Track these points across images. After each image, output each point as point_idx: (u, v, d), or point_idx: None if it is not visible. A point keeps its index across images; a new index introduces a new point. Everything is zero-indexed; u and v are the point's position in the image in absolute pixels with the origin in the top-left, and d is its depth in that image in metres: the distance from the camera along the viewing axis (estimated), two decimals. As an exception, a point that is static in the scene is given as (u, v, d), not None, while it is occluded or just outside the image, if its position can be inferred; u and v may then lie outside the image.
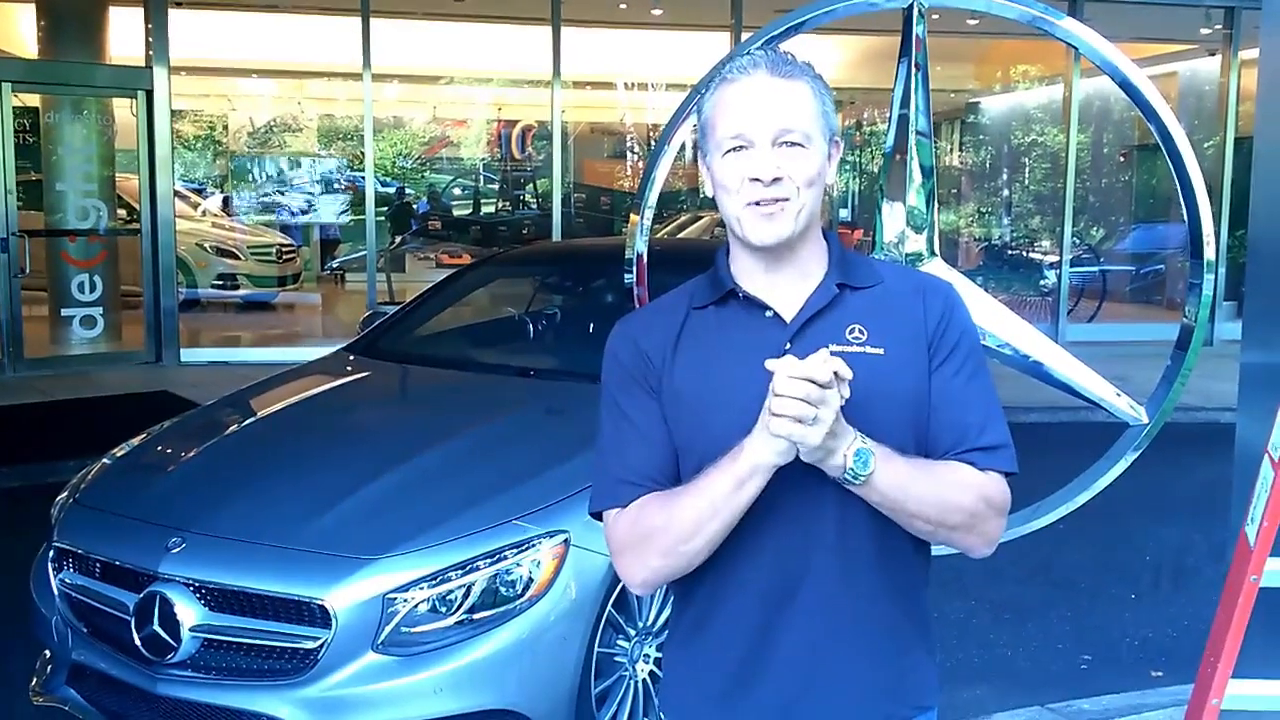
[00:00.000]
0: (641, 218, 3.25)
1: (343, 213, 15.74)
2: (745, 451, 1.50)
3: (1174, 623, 4.76)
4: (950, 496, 1.59)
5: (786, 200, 1.59)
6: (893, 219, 3.22)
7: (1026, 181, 15.69)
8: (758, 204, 1.59)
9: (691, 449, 1.63)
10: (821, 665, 1.63)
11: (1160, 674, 4.28)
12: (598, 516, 1.70)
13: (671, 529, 1.57)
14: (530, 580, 3.11)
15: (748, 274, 1.67)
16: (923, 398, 1.63)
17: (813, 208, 1.62)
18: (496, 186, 17.78)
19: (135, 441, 3.99)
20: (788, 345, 1.61)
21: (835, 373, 1.44)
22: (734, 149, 1.59)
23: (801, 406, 1.42)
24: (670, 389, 1.65)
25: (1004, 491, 1.64)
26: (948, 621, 4.61)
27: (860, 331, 1.63)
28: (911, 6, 3.14)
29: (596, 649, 3.27)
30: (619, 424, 1.68)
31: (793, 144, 1.58)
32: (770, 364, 1.45)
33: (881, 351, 1.61)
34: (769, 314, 1.65)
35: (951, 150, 16.83)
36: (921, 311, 1.66)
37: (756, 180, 1.58)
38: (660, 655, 3.39)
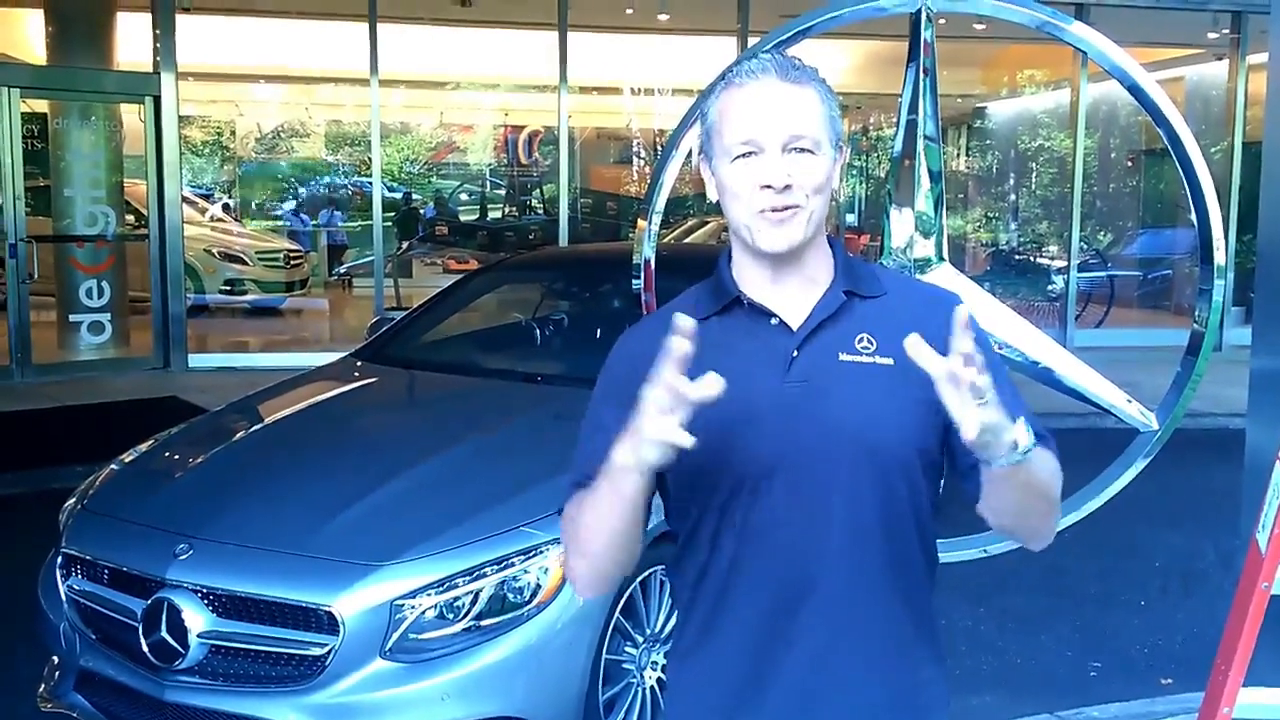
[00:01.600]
0: (649, 223, 3.25)
1: (350, 218, 15.79)
2: (614, 454, 1.47)
3: (1184, 630, 4.74)
4: (1056, 479, 1.61)
5: (797, 207, 1.57)
6: (901, 224, 3.22)
7: (1034, 186, 15.68)
8: (768, 211, 1.57)
9: (693, 463, 1.60)
10: (827, 679, 1.61)
11: (1170, 681, 4.26)
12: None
13: (579, 527, 1.59)
14: (538, 587, 3.11)
15: (752, 281, 1.65)
16: (931, 409, 1.61)
17: (821, 214, 1.61)
18: (503, 192, 17.83)
19: (143, 447, 3.99)
20: (795, 353, 1.60)
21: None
22: (743, 155, 1.57)
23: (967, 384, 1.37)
24: None
25: None
26: (956, 629, 4.60)
27: (869, 341, 1.61)
28: (919, 11, 3.14)
29: (604, 656, 3.26)
30: (593, 434, 1.66)
31: (802, 150, 1.56)
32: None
33: (891, 362, 1.59)
34: (775, 321, 1.63)
35: (959, 155, 16.82)
36: (935, 326, 1.63)
37: (768, 187, 1.56)
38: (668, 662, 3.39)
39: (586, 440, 1.68)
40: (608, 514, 1.52)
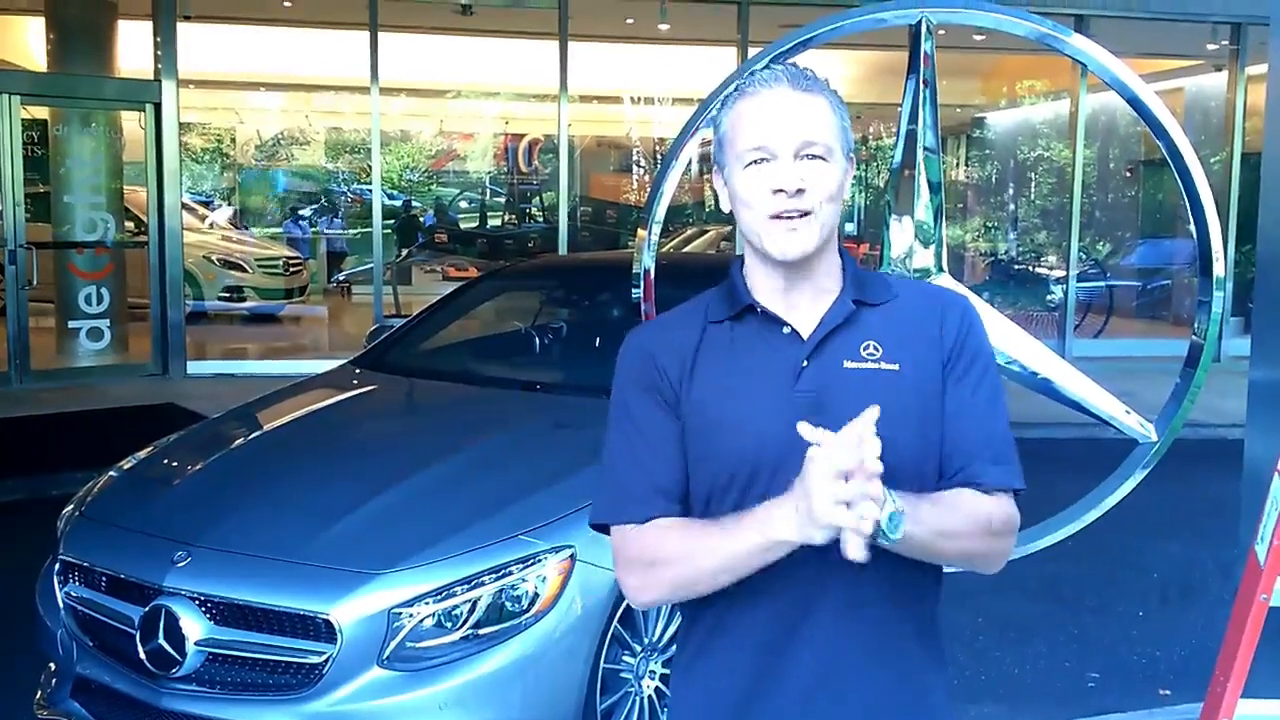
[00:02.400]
0: (649, 233, 3.25)
1: (350, 225, 15.79)
2: (775, 527, 1.46)
3: (1182, 641, 4.74)
4: (972, 528, 1.58)
5: (810, 213, 1.58)
6: (901, 234, 3.22)
7: (1033, 196, 15.69)
8: (780, 217, 1.58)
9: (706, 466, 1.62)
10: (829, 689, 1.61)
11: (1168, 693, 4.25)
12: (601, 529, 1.68)
13: (686, 571, 1.57)
14: (536, 595, 3.10)
15: (764, 289, 1.66)
16: (935, 414, 1.62)
17: (833, 222, 1.62)
18: (503, 200, 17.82)
19: (141, 454, 3.99)
20: (804, 363, 1.61)
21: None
22: (756, 161, 1.59)
23: (864, 506, 1.38)
24: (689, 404, 1.64)
25: (1015, 510, 1.65)
26: (954, 638, 4.59)
27: (875, 348, 1.62)
28: (919, 23, 3.15)
29: (602, 665, 3.26)
30: (630, 436, 1.66)
31: (815, 156, 1.58)
32: (813, 438, 1.40)
33: (897, 368, 1.61)
34: (786, 330, 1.64)
35: (958, 165, 16.84)
36: (938, 327, 1.65)
37: (780, 192, 1.57)
38: (666, 671, 3.38)
39: (625, 446, 1.67)
40: (737, 567, 1.53)
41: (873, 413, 1.41)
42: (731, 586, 1.59)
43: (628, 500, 1.64)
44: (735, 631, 1.64)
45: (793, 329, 1.64)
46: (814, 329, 1.63)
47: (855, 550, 1.38)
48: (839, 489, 1.37)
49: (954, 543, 1.56)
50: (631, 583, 1.64)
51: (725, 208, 1.67)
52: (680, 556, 1.58)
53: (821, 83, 1.62)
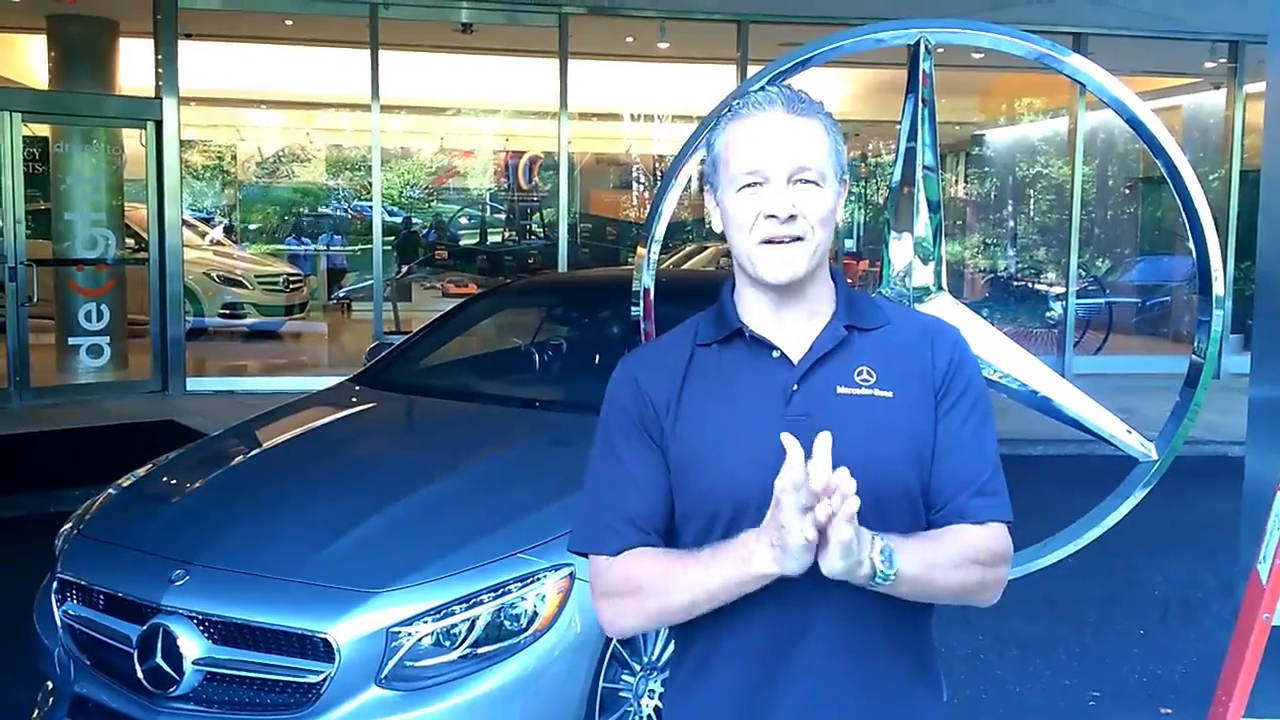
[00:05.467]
0: (649, 251, 3.25)
1: (350, 242, 15.83)
2: (753, 561, 1.46)
3: (1183, 659, 4.72)
4: (966, 564, 1.57)
5: (801, 238, 1.58)
6: (900, 251, 3.22)
7: (1032, 213, 15.72)
8: (771, 241, 1.58)
9: (692, 494, 1.61)
10: (824, 712, 1.60)
11: (1169, 711, 4.24)
12: (579, 554, 1.68)
13: (664, 601, 1.57)
14: (535, 614, 3.09)
15: (755, 312, 1.65)
16: (927, 442, 1.61)
17: (824, 246, 1.61)
18: (503, 216, 17.86)
19: (140, 472, 3.98)
20: (794, 387, 1.60)
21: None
22: (748, 185, 1.58)
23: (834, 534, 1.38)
24: (675, 433, 1.63)
25: (1007, 540, 1.64)
26: (955, 657, 4.58)
27: (869, 374, 1.61)
28: (918, 42, 3.15)
29: (601, 684, 3.25)
30: (612, 466, 1.66)
31: (808, 181, 1.57)
32: (793, 452, 1.38)
33: (890, 395, 1.60)
34: (776, 354, 1.63)
35: (957, 182, 16.88)
36: (929, 356, 1.64)
37: (772, 217, 1.56)
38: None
39: (606, 476, 1.66)
40: (715, 599, 1.52)
41: (826, 441, 1.38)
42: (724, 615, 1.58)
43: (603, 530, 1.63)
44: (728, 658, 1.62)
45: (782, 353, 1.63)
46: (805, 353, 1.62)
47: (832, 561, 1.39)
48: (808, 522, 1.37)
49: (948, 575, 1.55)
50: (606, 612, 1.64)
51: (717, 228, 1.67)
52: (656, 588, 1.57)
53: (816, 106, 1.62)
